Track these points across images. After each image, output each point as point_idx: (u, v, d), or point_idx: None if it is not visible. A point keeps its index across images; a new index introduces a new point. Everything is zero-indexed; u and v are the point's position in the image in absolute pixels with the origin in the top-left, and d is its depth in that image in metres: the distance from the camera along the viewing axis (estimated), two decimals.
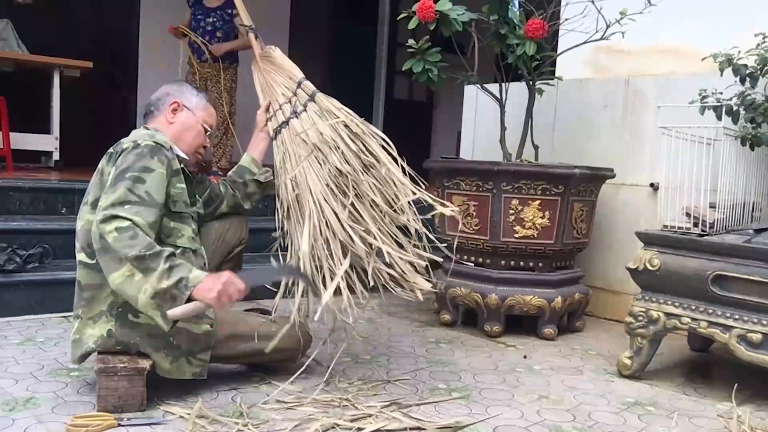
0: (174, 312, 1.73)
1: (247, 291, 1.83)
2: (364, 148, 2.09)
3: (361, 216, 2.04)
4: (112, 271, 1.74)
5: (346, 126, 2.13)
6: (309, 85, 2.28)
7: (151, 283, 1.72)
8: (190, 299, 1.75)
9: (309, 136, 2.15)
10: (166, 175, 1.90)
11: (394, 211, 2.06)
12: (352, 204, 2.03)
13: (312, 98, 2.23)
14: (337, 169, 2.08)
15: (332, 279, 1.98)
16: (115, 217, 1.74)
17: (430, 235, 2.06)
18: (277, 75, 2.33)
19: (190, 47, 4.47)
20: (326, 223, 2.03)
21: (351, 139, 2.11)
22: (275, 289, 2.07)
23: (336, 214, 2.02)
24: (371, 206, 2.05)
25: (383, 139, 2.13)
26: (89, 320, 1.90)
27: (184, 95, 2.14)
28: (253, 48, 2.44)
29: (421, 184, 2.11)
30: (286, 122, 2.25)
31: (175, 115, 2.11)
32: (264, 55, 2.37)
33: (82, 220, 1.93)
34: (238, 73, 4.56)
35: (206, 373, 2.00)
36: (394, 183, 2.06)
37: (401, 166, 2.09)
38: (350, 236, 1.98)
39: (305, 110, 2.23)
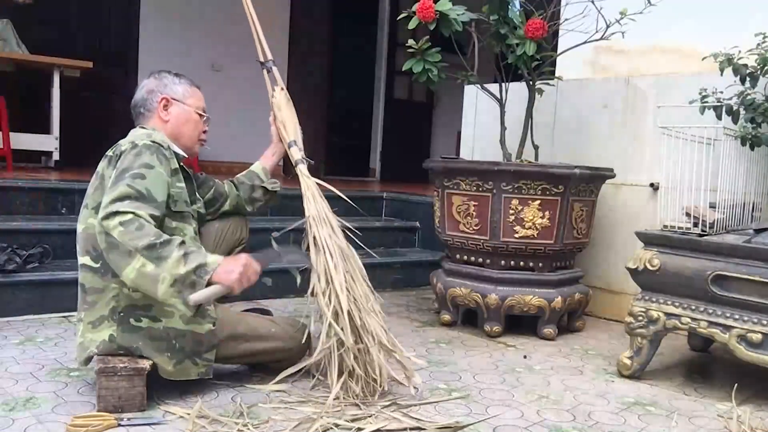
0: (197, 297, 1.72)
1: (262, 270, 1.88)
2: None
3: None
4: (124, 266, 1.70)
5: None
6: (295, 153, 2.31)
7: (168, 271, 1.69)
8: (209, 284, 1.75)
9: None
10: (165, 174, 1.89)
11: None
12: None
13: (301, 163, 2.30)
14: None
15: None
16: (116, 212, 1.71)
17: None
18: (288, 112, 2.36)
19: None
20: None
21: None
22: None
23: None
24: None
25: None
26: (90, 324, 1.90)
27: (168, 87, 2.08)
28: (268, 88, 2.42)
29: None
30: (295, 165, 2.29)
31: (168, 111, 2.06)
32: (275, 104, 2.37)
33: (83, 224, 1.92)
34: None
35: (212, 372, 2.00)
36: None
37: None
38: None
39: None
